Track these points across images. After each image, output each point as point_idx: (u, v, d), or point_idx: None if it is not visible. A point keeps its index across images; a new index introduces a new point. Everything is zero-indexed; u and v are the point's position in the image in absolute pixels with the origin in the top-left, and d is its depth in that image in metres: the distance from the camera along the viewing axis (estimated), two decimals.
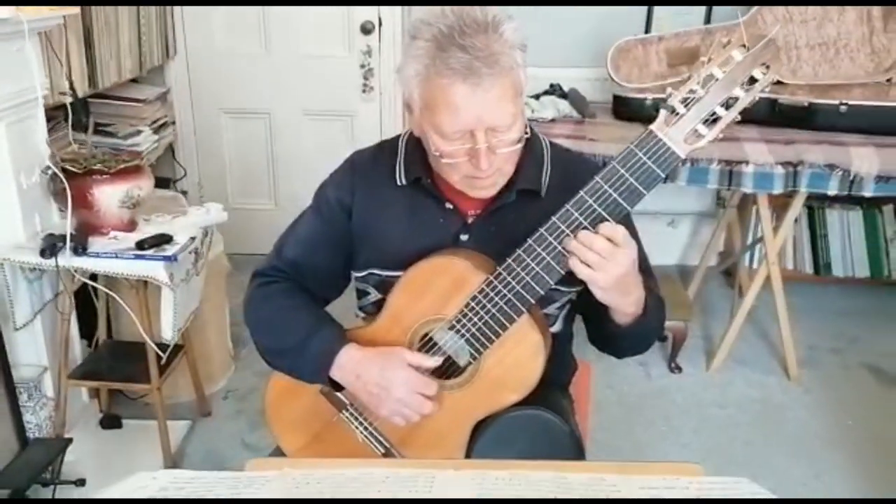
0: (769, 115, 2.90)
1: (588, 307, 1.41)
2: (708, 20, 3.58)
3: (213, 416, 2.80)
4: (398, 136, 1.50)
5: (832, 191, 2.74)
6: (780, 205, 3.06)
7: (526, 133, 1.32)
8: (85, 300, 2.62)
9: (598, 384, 1.93)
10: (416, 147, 1.44)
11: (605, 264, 1.21)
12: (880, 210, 3.70)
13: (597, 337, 1.50)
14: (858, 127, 2.85)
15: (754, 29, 3.14)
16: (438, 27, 1.24)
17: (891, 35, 3.06)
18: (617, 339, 1.42)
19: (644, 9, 3.60)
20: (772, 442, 2.74)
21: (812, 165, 2.69)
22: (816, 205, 3.69)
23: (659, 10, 3.59)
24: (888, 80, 3.13)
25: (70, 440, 2.38)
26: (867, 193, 2.72)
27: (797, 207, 2.95)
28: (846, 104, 2.85)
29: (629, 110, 3.08)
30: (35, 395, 2.44)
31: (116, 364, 2.57)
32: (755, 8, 3.14)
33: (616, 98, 3.16)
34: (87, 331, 2.70)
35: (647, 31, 3.60)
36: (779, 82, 2.98)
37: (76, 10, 2.48)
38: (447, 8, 1.25)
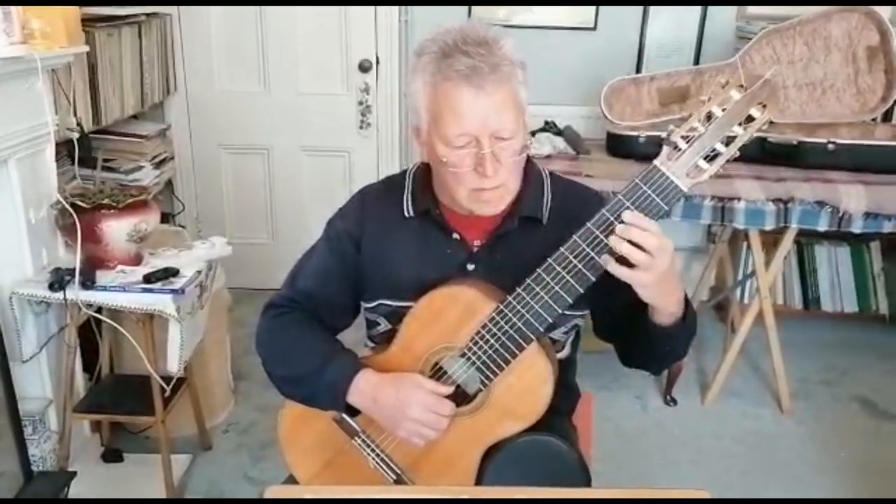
0: (759, 153, 2.97)
1: (620, 322, 1.44)
2: (697, 61, 3.68)
3: (213, 449, 2.81)
4: (405, 171, 1.56)
5: (822, 227, 2.80)
6: (769, 241, 3.12)
7: (528, 145, 1.38)
8: (86, 334, 2.64)
9: (596, 416, 1.97)
10: (423, 180, 1.50)
11: (651, 262, 1.23)
12: (867, 246, 3.78)
13: (635, 351, 1.51)
14: (846, 165, 2.92)
15: (742, 70, 3.23)
16: (443, 40, 1.32)
17: (876, 76, 3.15)
18: (659, 343, 1.42)
19: (635, 49, 3.70)
20: (767, 472, 2.78)
21: (802, 202, 2.76)
22: (805, 241, 3.76)
23: (649, 51, 3.69)
24: (873, 120, 3.22)
25: (74, 473, 2.39)
26: (856, 230, 2.80)
27: (788, 243, 3.01)
28: (834, 142, 2.92)
29: (623, 147, 3.15)
30: (39, 429, 2.45)
31: (120, 397, 2.59)
32: (743, 49, 3.22)
33: (610, 135, 3.23)
34: (88, 364, 2.72)
35: (637, 70, 3.69)
36: (750, 118, 3.06)
37: (85, 48, 2.54)
38: (450, 27, 1.33)
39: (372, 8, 3.65)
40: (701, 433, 3.01)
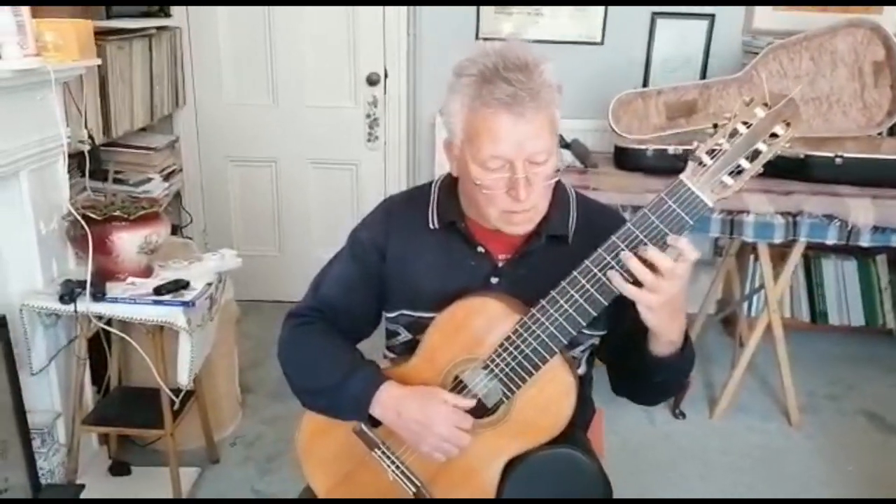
0: (767, 167, 2.95)
1: (619, 346, 1.45)
2: (703, 75, 3.69)
3: (221, 462, 2.80)
4: (431, 183, 1.57)
5: (831, 240, 2.81)
6: (776, 254, 3.13)
7: (559, 170, 1.38)
8: (94, 346, 2.63)
9: (604, 430, 1.97)
10: (448, 192, 1.50)
11: (661, 285, 1.24)
12: (874, 260, 3.78)
13: (628, 379, 1.52)
14: (853, 179, 2.93)
15: (750, 85, 3.24)
16: (483, 63, 1.31)
17: (882, 90, 3.16)
18: (653, 374, 1.41)
19: (642, 63, 3.71)
20: (775, 487, 2.77)
21: (811, 216, 2.77)
22: (812, 254, 3.77)
23: (656, 65, 3.70)
24: (879, 134, 3.23)
25: (82, 486, 2.37)
26: (864, 243, 2.80)
27: (796, 256, 3.01)
28: (841, 156, 2.93)
29: (630, 161, 3.16)
30: (48, 441, 2.44)
31: (128, 410, 2.58)
32: (750, 64, 3.24)
33: (617, 149, 3.24)
34: (96, 377, 2.71)
35: (644, 84, 3.71)
36: (773, 135, 3.07)
37: (97, 61, 2.55)
38: (490, 48, 1.34)
39: (380, 21, 3.67)
40: (709, 447, 3.00)
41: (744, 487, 2.77)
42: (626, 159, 3.18)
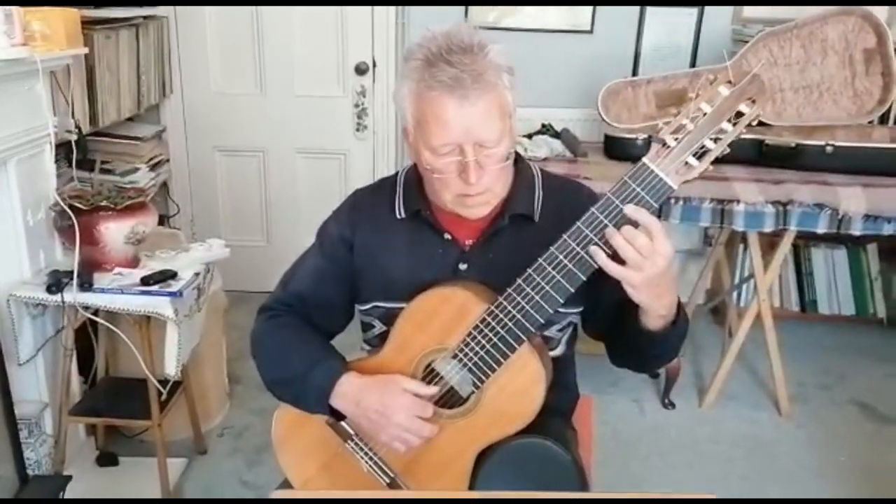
0: (757, 156, 2.96)
1: (608, 319, 1.44)
2: (693, 64, 3.68)
3: (209, 453, 2.80)
4: (397, 173, 1.57)
5: (821, 229, 2.80)
6: (765, 243, 3.12)
7: (513, 150, 1.37)
8: (82, 337, 2.63)
9: (593, 420, 1.96)
10: (414, 181, 1.50)
11: (643, 262, 1.22)
12: (864, 249, 3.78)
13: (623, 350, 1.50)
14: (844, 167, 2.92)
15: (739, 73, 3.22)
16: (429, 47, 1.31)
17: (872, 78, 3.15)
18: (646, 347, 1.40)
19: (632, 52, 3.70)
20: (766, 477, 2.78)
21: (801, 205, 2.76)
22: (802, 243, 3.76)
23: (646, 54, 3.69)
24: (870, 122, 3.21)
25: (70, 477, 2.38)
26: (855, 232, 2.79)
27: (786, 246, 3.00)
28: (832, 145, 2.92)
29: (620, 150, 3.14)
30: (35, 432, 2.44)
31: (116, 401, 2.58)
32: (739, 53, 3.22)
33: (607, 138, 3.22)
34: (84, 367, 2.71)
35: (634, 73, 3.69)
36: (763, 124, 3.06)
37: (84, 50, 2.54)
38: (438, 32, 1.33)
39: (369, 10, 3.65)
40: (699, 437, 3.00)
41: (734, 477, 2.78)
42: (615, 149, 3.17)
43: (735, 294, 3.70)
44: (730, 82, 1.21)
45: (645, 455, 2.89)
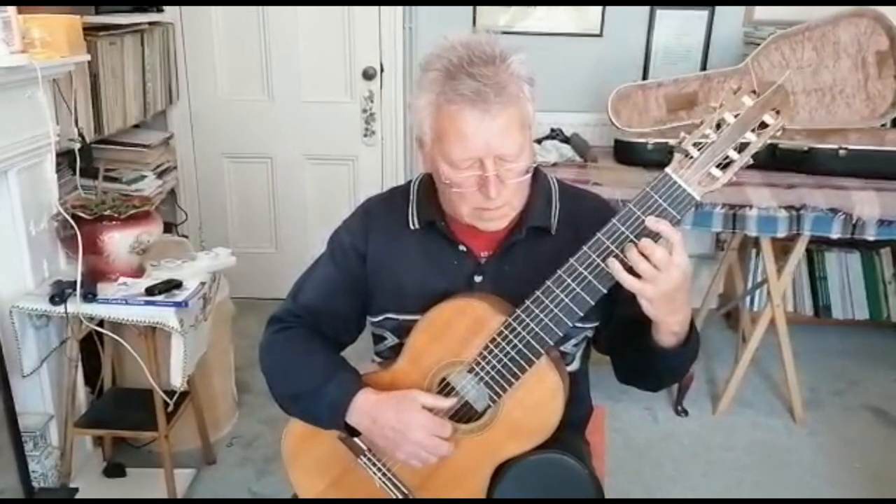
0: (770, 160, 2.93)
1: (620, 335, 1.41)
2: (704, 67, 3.64)
3: (217, 463, 2.77)
4: (410, 182, 1.53)
5: (835, 234, 2.76)
6: (779, 247, 3.08)
7: (535, 161, 1.34)
8: (88, 347, 2.60)
9: (606, 428, 1.93)
10: (428, 191, 1.46)
11: (658, 276, 1.19)
12: (878, 253, 3.73)
13: (632, 367, 1.46)
14: (857, 171, 2.88)
15: (750, 76, 3.19)
16: (448, 58, 1.27)
17: (886, 81, 3.11)
18: (657, 365, 1.37)
19: (642, 55, 3.67)
20: (780, 485, 2.73)
21: (815, 209, 2.72)
22: (815, 248, 3.71)
23: (656, 57, 3.66)
24: (883, 125, 3.17)
25: (76, 490, 2.36)
26: (870, 237, 2.75)
27: (800, 250, 2.96)
28: (845, 149, 2.88)
29: (630, 155, 3.11)
30: (41, 444, 2.42)
31: (122, 412, 2.55)
32: (751, 55, 3.19)
33: (617, 142, 3.19)
34: (91, 378, 2.68)
35: (644, 77, 3.66)
36: (763, 124, 3.02)
37: (87, 57, 2.51)
38: (457, 41, 1.29)
39: (376, 15, 3.62)
40: (712, 444, 2.96)
41: (748, 485, 2.74)
42: (626, 153, 3.14)
43: (748, 299, 3.66)
44: (754, 92, 1.17)
45: (658, 463, 2.85)
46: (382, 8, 3.61)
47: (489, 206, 1.32)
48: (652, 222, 1.19)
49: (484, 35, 1.30)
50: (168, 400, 2.37)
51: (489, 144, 1.26)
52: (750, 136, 1.20)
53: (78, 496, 2.35)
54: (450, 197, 1.35)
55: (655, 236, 1.20)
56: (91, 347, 2.61)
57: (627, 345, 1.40)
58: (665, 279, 1.19)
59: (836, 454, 2.91)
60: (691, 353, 1.36)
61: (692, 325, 1.33)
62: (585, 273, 1.25)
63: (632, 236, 1.22)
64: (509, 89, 1.26)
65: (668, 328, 1.28)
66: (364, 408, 1.37)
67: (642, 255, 1.20)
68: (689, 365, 1.43)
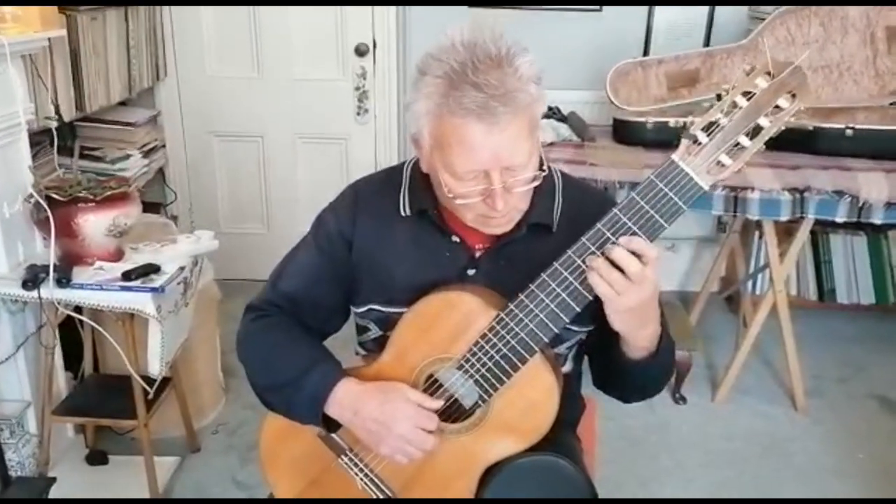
0: (773, 140, 2.82)
1: (597, 341, 1.35)
2: (707, 43, 3.54)
3: (202, 451, 2.70)
4: (403, 164, 1.43)
5: (840, 217, 2.67)
6: (782, 230, 2.99)
7: (543, 170, 1.24)
8: (70, 331, 2.53)
9: (600, 417, 1.85)
10: (421, 176, 1.35)
11: (629, 287, 1.13)
12: (885, 236, 3.64)
13: (605, 376, 1.43)
14: (864, 151, 2.78)
15: (755, 52, 3.09)
16: (450, 63, 1.15)
17: (895, 58, 3.01)
18: (626, 376, 1.33)
19: (642, 31, 3.56)
20: (781, 476, 2.66)
21: (820, 192, 2.63)
22: (820, 230, 3.62)
23: (657, 34, 3.55)
24: (892, 104, 3.08)
25: (54, 479, 2.27)
26: (877, 220, 2.66)
27: (804, 235, 2.87)
28: (852, 128, 2.79)
29: (630, 134, 3.02)
30: (17, 432, 2.35)
31: (103, 399, 2.47)
32: (755, 31, 3.09)
33: (616, 121, 3.10)
34: (73, 363, 2.60)
35: (645, 54, 3.56)
36: (777, 108, 2.93)
37: (62, 32, 2.41)
38: (458, 41, 1.17)
39: None
40: (711, 433, 2.89)
41: (749, 476, 2.66)
42: (625, 132, 3.04)
43: (750, 283, 3.58)
44: (769, 73, 1.08)
45: (654, 453, 2.78)
46: None
47: (494, 214, 1.22)
48: (625, 241, 1.14)
49: (487, 31, 1.17)
50: (148, 388, 2.30)
51: (497, 157, 1.16)
52: (763, 121, 1.12)
53: (57, 485, 2.26)
54: (452, 204, 1.26)
55: (653, 234, 1.15)
56: (73, 332, 2.53)
57: (602, 353, 1.36)
58: (634, 292, 1.14)
59: (839, 444, 2.83)
60: (662, 367, 1.34)
61: (662, 338, 1.29)
62: (583, 265, 1.16)
63: (635, 228, 1.15)
64: (518, 98, 1.14)
65: (636, 343, 1.25)
66: (345, 399, 1.29)
67: (617, 267, 1.13)
68: (663, 379, 1.41)
